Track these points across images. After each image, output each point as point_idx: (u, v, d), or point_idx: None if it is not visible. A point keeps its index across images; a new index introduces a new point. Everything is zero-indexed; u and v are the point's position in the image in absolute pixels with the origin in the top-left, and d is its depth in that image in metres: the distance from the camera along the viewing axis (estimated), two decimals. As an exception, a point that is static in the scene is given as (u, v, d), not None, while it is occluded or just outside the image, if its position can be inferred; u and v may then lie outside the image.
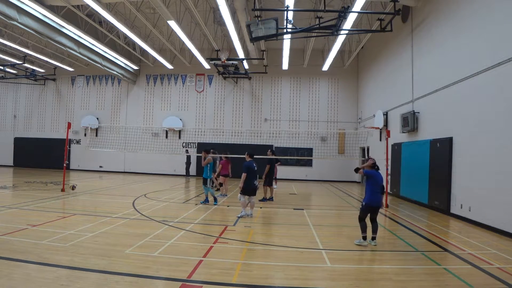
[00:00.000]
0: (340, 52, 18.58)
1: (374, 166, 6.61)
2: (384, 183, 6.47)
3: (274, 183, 13.16)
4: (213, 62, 17.33)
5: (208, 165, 10.77)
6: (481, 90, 8.51)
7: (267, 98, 22.09)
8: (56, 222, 7.42)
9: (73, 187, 11.99)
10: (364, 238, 6.34)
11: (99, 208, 9.38)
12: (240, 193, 8.83)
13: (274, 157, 12.66)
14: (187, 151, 21.71)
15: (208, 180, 10.74)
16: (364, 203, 6.45)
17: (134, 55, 20.45)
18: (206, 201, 10.75)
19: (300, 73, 21.65)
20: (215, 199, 10.80)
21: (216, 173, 12.78)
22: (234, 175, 13.36)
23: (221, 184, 12.94)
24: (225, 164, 12.66)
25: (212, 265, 4.98)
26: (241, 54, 17.40)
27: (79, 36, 16.08)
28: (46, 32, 14.25)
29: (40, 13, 13.21)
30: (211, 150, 14.84)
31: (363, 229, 6.36)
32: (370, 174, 6.48)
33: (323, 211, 10.69)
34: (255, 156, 9.55)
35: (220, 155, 13.76)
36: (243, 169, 8.82)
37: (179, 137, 22.34)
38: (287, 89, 22.07)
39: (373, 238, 6.43)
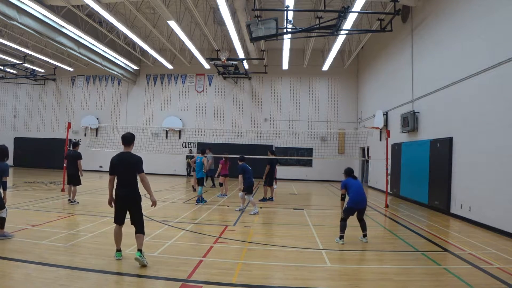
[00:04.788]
0: (340, 52, 18.57)
1: (351, 175, 6.68)
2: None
3: (274, 183, 13.17)
4: (213, 62, 17.33)
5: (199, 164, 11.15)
6: (481, 90, 8.51)
7: (267, 98, 22.08)
8: (56, 222, 7.42)
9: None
10: (341, 237, 6.42)
11: (99, 208, 9.37)
12: (247, 193, 9.45)
13: (274, 157, 12.67)
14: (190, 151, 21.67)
15: (204, 178, 11.07)
16: (347, 205, 6.54)
17: (134, 55, 20.45)
18: (199, 200, 10.83)
19: (300, 73, 21.65)
20: (199, 199, 10.87)
21: (217, 173, 12.87)
22: (232, 175, 13.57)
23: (221, 184, 12.98)
24: (224, 164, 12.71)
25: (212, 265, 4.98)
26: (241, 54, 17.39)
27: (79, 36, 16.08)
28: (46, 32, 14.25)
29: (40, 13, 13.20)
30: (207, 150, 14.92)
31: (342, 229, 6.45)
32: (347, 184, 6.53)
33: (323, 211, 10.68)
34: (255, 156, 9.93)
35: (218, 155, 13.85)
36: (238, 171, 9.58)
37: (179, 137, 22.34)
38: (287, 89, 22.06)
39: (364, 236, 6.61)
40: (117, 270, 4.66)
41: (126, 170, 4.98)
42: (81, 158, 10.07)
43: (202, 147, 12.65)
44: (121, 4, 13.84)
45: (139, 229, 4.98)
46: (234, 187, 15.14)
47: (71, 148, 10.35)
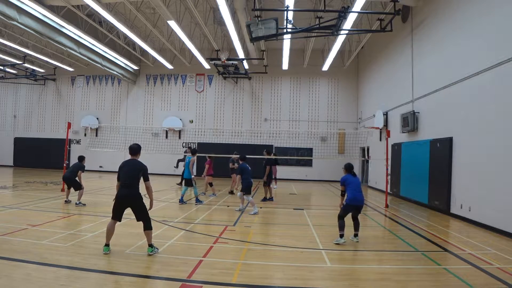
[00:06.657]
0: (340, 52, 18.55)
1: (351, 171, 6.69)
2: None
3: (274, 183, 13.14)
4: (213, 62, 17.33)
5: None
6: (481, 90, 8.51)
7: (267, 98, 22.08)
8: (56, 222, 7.42)
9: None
10: (342, 236, 6.39)
11: (99, 208, 9.38)
12: (245, 194, 9.39)
13: (269, 157, 12.63)
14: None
15: (192, 179, 10.91)
16: (345, 202, 6.54)
17: (134, 55, 20.45)
18: (198, 200, 10.84)
19: (300, 73, 21.64)
20: (198, 199, 10.90)
21: (203, 174, 12.54)
22: (218, 175, 13.69)
23: (211, 184, 12.83)
24: (210, 164, 12.64)
25: (212, 265, 4.98)
26: (241, 54, 17.39)
27: (79, 36, 16.08)
28: (46, 32, 14.25)
29: (40, 13, 13.21)
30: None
31: (341, 227, 6.42)
32: (346, 180, 6.55)
33: (323, 211, 10.68)
34: (255, 156, 9.83)
35: (202, 155, 13.65)
36: (237, 171, 9.46)
37: (179, 137, 22.34)
38: (287, 89, 22.06)
39: (355, 235, 6.61)
40: (117, 270, 4.66)
41: (129, 172, 5.45)
42: (83, 171, 9.94)
43: (193, 148, 12.41)
44: (121, 4, 13.84)
45: (147, 226, 5.37)
46: (225, 186, 15.03)
47: (77, 161, 10.21)
